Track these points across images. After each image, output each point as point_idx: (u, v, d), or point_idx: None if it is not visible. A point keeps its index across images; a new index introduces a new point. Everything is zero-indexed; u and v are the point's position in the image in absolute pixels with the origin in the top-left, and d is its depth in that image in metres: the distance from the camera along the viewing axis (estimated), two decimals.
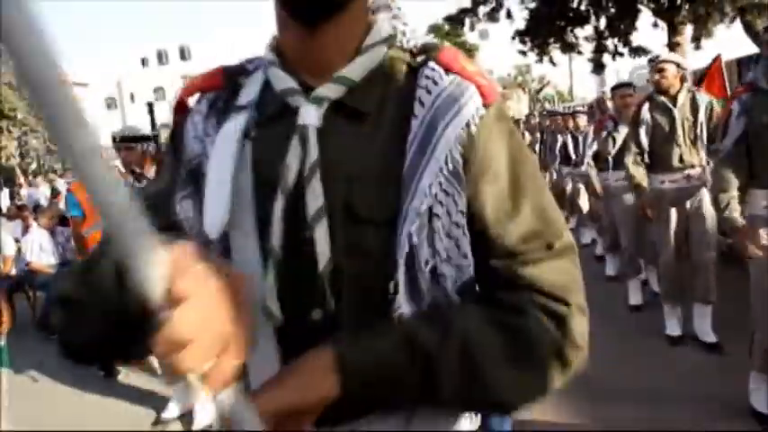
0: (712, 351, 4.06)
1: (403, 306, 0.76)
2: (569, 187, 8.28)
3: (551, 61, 14.34)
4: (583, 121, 7.92)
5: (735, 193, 3.09)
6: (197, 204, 0.83)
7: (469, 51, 33.20)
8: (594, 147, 6.05)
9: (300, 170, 0.78)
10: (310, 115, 0.79)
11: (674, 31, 11.18)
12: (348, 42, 0.82)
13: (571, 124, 8.14)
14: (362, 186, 0.78)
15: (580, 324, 0.80)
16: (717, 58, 6.54)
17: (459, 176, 0.78)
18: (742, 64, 7.23)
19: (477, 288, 0.81)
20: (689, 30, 11.40)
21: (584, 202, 7.58)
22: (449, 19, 14.43)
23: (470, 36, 27.17)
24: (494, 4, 13.49)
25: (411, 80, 0.82)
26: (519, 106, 35.07)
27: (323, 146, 0.78)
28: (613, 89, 5.65)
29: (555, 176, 9.04)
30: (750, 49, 9.64)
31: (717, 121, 4.00)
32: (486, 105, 0.80)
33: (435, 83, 0.80)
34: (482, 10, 13.67)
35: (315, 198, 0.76)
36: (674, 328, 4.37)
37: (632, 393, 3.56)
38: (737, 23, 11.12)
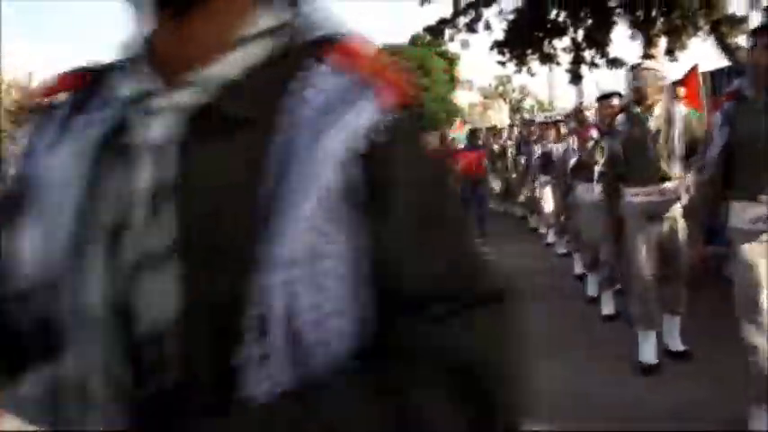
0: (681, 359, 4.07)
1: (253, 385, 0.57)
2: (547, 195, 8.33)
3: (529, 72, 14.48)
4: (564, 130, 7.98)
5: (706, 212, 3.11)
6: (16, 239, 0.65)
7: (451, 61, 33.38)
8: (574, 158, 6.04)
9: (149, 196, 0.61)
10: (157, 126, 0.62)
11: (649, 43, 11.36)
12: (223, 34, 0.65)
13: (553, 134, 8.20)
14: (220, 219, 0.59)
15: (510, 406, 0.62)
16: (694, 68, 6.61)
17: (342, 208, 0.59)
18: (714, 77, 7.33)
19: (369, 357, 0.61)
20: (663, 42, 11.58)
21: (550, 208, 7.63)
22: (429, 30, 14.52)
23: (452, 46, 27.30)
24: (473, 15, 13.59)
25: (294, 83, 0.63)
26: (500, 116, 35.39)
27: (177, 165, 0.61)
28: (600, 99, 5.59)
29: (535, 186, 9.13)
30: (723, 62, 9.82)
31: (694, 134, 3.98)
32: (390, 113, 0.62)
33: (319, 85, 0.63)
34: (462, 21, 13.77)
35: (151, 235, 0.59)
36: (648, 356, 4.05)
37: (613, 413, 3.49)
38: (709, 36, 11.32)
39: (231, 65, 0.64)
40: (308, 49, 0.66)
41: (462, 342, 0.60)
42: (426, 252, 0.62)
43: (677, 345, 4.17)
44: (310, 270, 0.59)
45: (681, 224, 3.97)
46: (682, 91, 6.09)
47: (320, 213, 0.59)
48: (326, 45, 0.66)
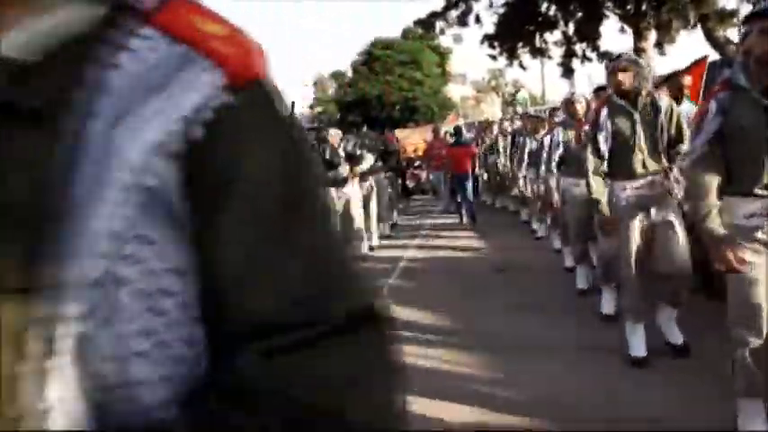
0: (680, 355, 3.93)
1: None
2: (537, 189, 8.30)
3: (521, 65, 14.48)
4: (555, 123, 7.91)
5: (715, 199, 2.81)
6: None
7: (443, 55, 33.30)
8: (560, 151, 5.99)
9: None
10: None
11: (639, 36, 11.37)
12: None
13: (544, 127, 8.15)
14: (3, 236, 0.45)
15: None
16: (704, 58, 6.56)
17: (167, 209, 0.48)
18: (708, 70, 7.34)
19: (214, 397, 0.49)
20: (653, 35, 11.60)
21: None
22: (419, 23, 14.50)
23: (445, 40, 27.21)
24: (463, 8, 13.57)
25: (111, 55, 0.49)
26: (492, 109, 35.43)
27: None
28: (597, 91, 5.46)
29: (522, 182, 9.10)
30: (714, 56, 9.83)
31: (678, 124, 3.93)
32: (234, 88, 0.50)
33: (142, 56, 0.49)
34: (452, 14, 13.76)
35: None
36: (637, 349, 3.98)
37: (609, 411, 3.40)
38: (699, 30, 11.34)
39: (19, 39, 0.48)
40: (132, 11, 0.52)
41: (310, 381, 0.49)
42: (271, 267, 0.50)
43: (677, 337, 4.03)
44: (139, 288, 0.47)
45: (676, 219, 3.87)
46: (688, 79, 6.05)
47: (137, 219, 0.47)
48: (156, 7, 0.52)
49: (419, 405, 3.54)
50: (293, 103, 10.21)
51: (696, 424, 3.07)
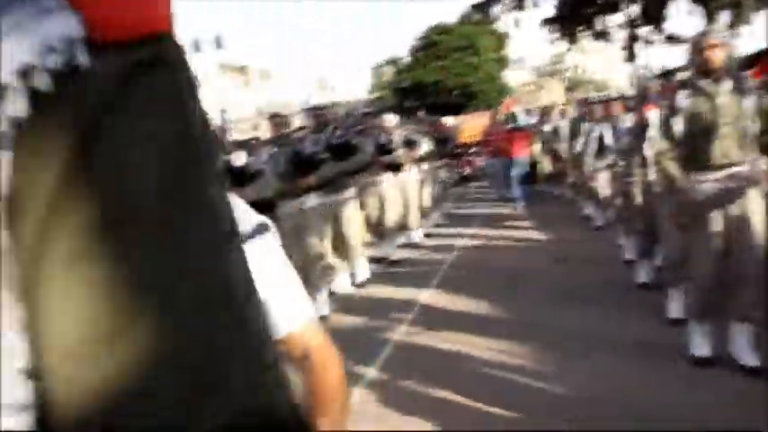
0: (754, 376, 3.46)
1: None
2: (602, 179, 8.01)
3: (581, 50, 14.11)
4: (619, 109, 7.61)
5: None
6: None
7: (501, 39, 32.69)
8: (625, 138, 5.77)
9: None
10: None
11: (710, 17, 10.87)
12: None
13: (610, 113, 7.86)
14: None
15: None
16: None
17: None
18: None
19: None
20: (725, 16, 11.05)
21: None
22: (476, 7, 14.27)
23: (503, 25, 26.65)
24: None
25: None
26: (553, 95, 34.66)
27: None
28: (663, 75, 5.26)
29: (590, 169, 8.80)
30: None
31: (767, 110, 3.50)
32: (97, 46, 0.31)
33: None
34: None
35: None
36: (701, 348, 3.75)
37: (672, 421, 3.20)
38: None
39: None
40: None
41: None
42: (117, 337, 0.30)
43: (749, 358, 3.57)
44: None
45: (757, 217, 3.49)
46: None
47: None
48: None
49: (468, 397, 3.50)
50: (337, 88, 10.18)
51: (752, 425, 2.91)
